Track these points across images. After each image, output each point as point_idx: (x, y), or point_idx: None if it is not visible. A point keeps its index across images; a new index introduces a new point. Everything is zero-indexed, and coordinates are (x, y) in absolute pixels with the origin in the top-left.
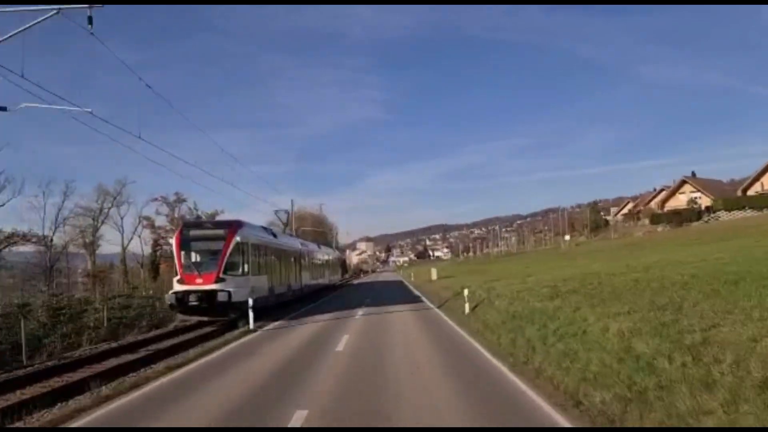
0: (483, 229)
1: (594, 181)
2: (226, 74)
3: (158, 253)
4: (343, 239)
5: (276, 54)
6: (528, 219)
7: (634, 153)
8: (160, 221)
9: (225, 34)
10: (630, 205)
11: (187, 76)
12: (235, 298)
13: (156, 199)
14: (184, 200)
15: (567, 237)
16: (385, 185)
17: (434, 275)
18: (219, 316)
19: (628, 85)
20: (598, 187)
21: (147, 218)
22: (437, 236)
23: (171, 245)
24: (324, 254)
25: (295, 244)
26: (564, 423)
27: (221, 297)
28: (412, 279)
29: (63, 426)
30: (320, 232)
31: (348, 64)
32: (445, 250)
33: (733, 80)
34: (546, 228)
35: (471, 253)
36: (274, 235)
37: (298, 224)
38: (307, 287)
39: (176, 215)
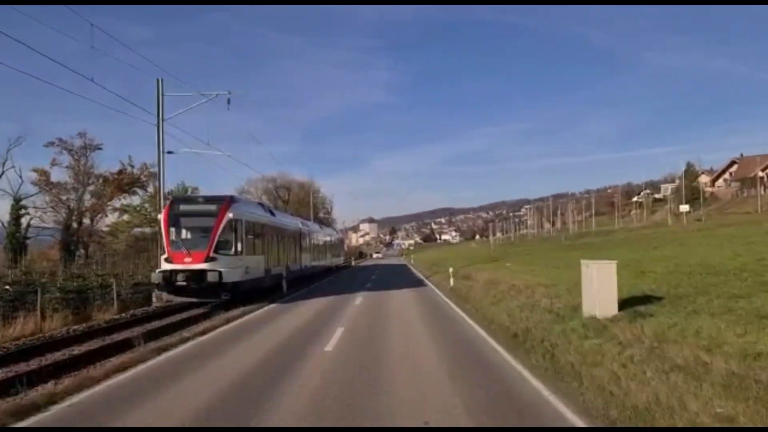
0: (489, 212)
1: (600, 167)
2: (233, 53)
3: (26, 223)
4: (342, 218)
5: (283, 34)
6: (536, 203)
7: (640, 139)
8: (58, 176)
9: (232, 13)
10: (705, 177)
11: (194, 54)
12: (226, 279)
13: (53, 144)
14: (97, 147)
15: (685, 207)
16: (389, 168)
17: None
18: (209, 297)
19: (635, 70)
20: (604, 174)
21: (39, 171)
22: (442, 220)
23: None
24: (326, 235)
25: (295, 223)
26: None
27: (211, 277)
28: (456, 287)
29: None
30: (306, 203)
31: (355, 46)
32: (453, 233)
33: (741, 66)
34: (560, 210)
35: (494, 236)
36: (272, 213)
37: (280, 193)
38: (308, 269)
39: (84, 167)
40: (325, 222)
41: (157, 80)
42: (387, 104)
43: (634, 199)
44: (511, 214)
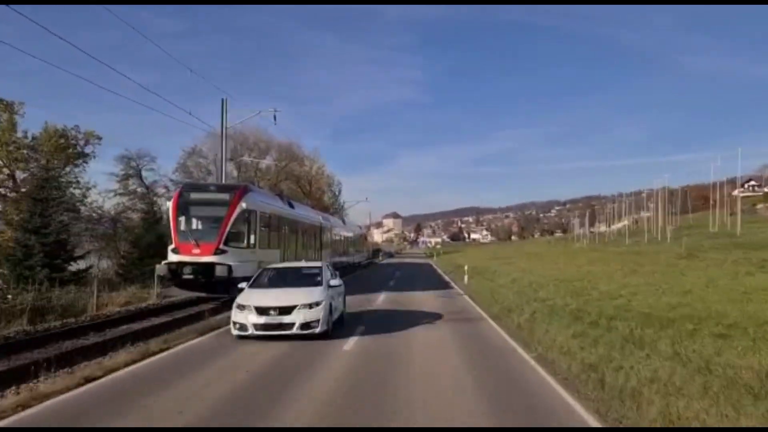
0: (518, 213)
1: (629, 171)
2: (264, 48)
3: None
4: (355, 208)
5: (314, 31)
6: (567, 205)
7: (672, 144)
8: None
9: (262, 10)
10: None
11: (224, 48)
12: (236, 274)
13: None
14: None
15: None
16: (416, 167)
17: None
18: (218, 293)
19: (667, 74)
20: (634, 177)
21: None
22: (470, 219)
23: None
24: (348, 231)
25: (315, 217)
26: None
27: (220, 271)
28: None
29: None
30: (298, 176)
31: (385, 43)
32: (484, 232)
33: None
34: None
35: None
36: (291, 205)
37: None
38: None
39: None
40: (334, 210)
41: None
42: (416, 102)
43: (735, 192)
44: (541, 215)
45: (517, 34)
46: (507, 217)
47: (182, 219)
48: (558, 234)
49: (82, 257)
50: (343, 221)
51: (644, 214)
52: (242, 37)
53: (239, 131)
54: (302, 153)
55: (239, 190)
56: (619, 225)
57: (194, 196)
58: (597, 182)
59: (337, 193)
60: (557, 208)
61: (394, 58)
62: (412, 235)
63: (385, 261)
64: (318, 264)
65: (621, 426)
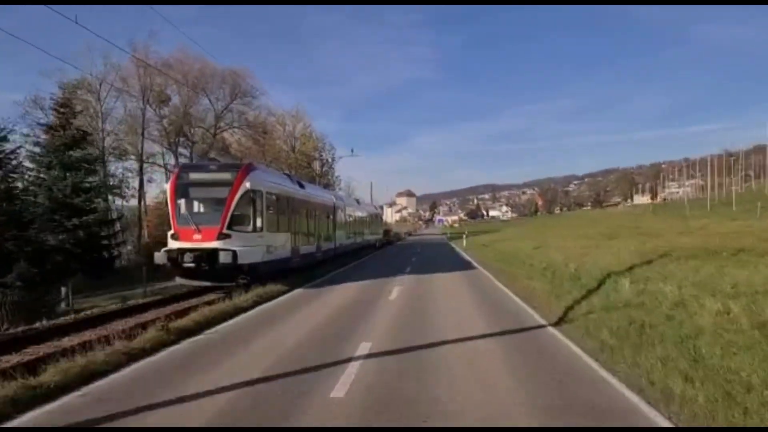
0: (535, 189)
1: (646, 143)
2: (275, 31)
3: None
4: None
5: (326, 14)
6: (586, 179)
7: (690, 116)
8: None
9: None
10: None
11: (237, 31)
12: (242, 260)
13: None
14: None
15: None
16: (430, 145)
17: None
18: (223, 281)
19: (682, 46)
20: (651, 150)
21: None
22: (486, 196)
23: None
24: (362, 211)
25: (328, 196)
26: None
27: (224, 258)
28: None
29: None
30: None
31: (398, 21)
32: (504, 209)
33: None
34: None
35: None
36: (301, 185)
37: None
38: (342, 247)
39: None
40: (327, 182)
41: None
42: (428, 81)
43: None
44: (560, 189)
45: (529, 7)
46: (524, 193)
47: (181, 202)
48: (586, 205)
49: None
50: (357, 201)
51: (692, 182)
52: (254, 20)
53: (155, 53)
54: (253, 84)
55: (243, 169)
56: (665, 194)
57: (194, 176)
58: (615, 155)
59: (330, 160)
60: (575, 182)
61: (407, 37)
62: (428, 213)
63: (396, 244)
64: None
65: (693, 426)
